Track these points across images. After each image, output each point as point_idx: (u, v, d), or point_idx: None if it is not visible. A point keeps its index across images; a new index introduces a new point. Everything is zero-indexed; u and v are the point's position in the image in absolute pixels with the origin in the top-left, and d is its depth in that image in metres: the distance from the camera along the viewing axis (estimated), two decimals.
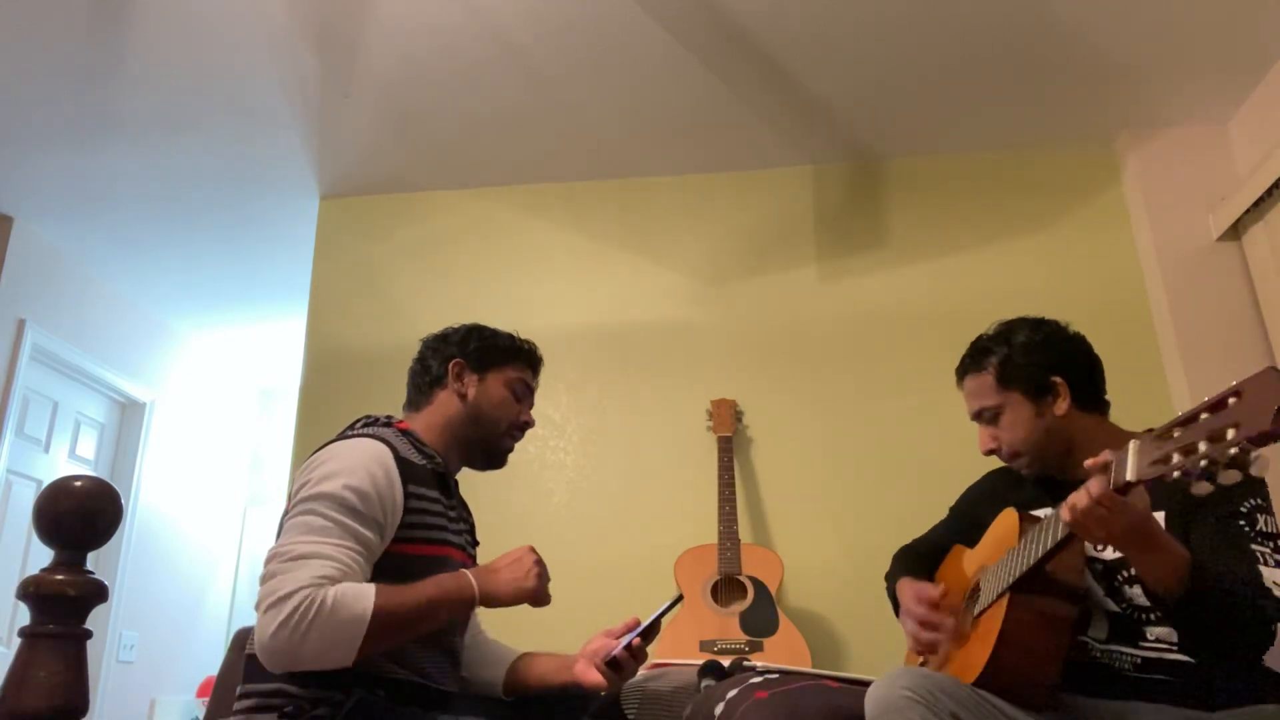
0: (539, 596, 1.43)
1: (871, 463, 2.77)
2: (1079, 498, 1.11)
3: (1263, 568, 1.22)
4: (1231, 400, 0.91)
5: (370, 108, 2.82)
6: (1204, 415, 0.94)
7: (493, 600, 1.40)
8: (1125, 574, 1.33)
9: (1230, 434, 0.89)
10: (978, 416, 1.54)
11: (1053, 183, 2.99)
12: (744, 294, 3.02)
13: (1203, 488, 0.94)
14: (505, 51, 2.59)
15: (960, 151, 3.06)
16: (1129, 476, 1.04)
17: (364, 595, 1.27)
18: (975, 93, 2.77)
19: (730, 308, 3.01)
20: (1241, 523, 1.27)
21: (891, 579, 1.69)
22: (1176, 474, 0.95)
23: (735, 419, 2.77)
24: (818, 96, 2.79)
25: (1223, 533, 1.26)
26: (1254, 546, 1.24)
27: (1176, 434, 0.97)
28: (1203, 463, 0.92)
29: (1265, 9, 2.41)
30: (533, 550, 1.46)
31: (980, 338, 1.57)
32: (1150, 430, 1.05)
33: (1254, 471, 0.89)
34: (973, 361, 1.55)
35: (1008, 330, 1.53)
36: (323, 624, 1.23)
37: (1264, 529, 1.26)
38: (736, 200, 3.13)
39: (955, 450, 2.68)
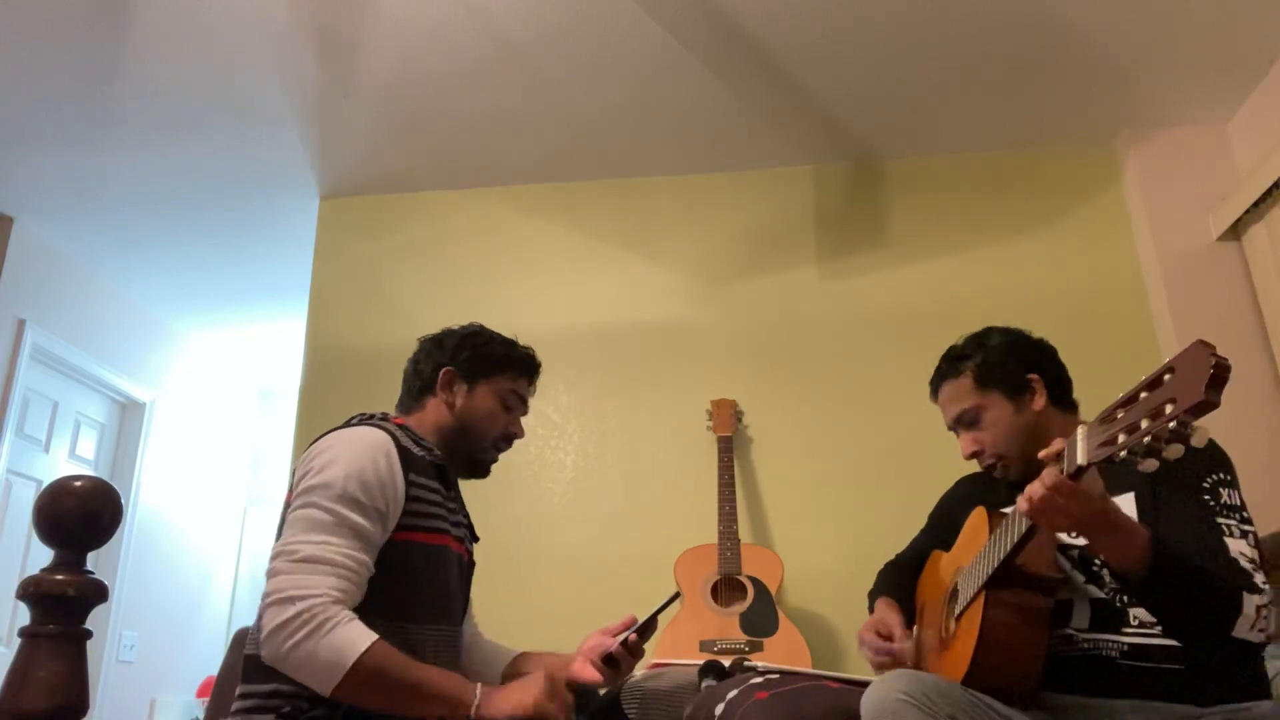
0: (543, 710, 1.28)
1: (871, 462, 2.77)
2: (1034, 489, 1.14)
3: (1228, 539, 1.26)
4: (1167, 376, 0.94)
5: (370, 108, 2.82)
6: (1143, 394, 0.97)
7: (490, 713, 1.28)
8: (1102, 558, 1.34)
9: (1168, 409, 0.92)
10: (957, 421, 1.57)
11: (1053, 183, 2.99)
12: (744, 294, 3.02)
13: (1149, 464, 0.97)
14: (505, 52, 2.59)
15: (960, 151, 3.06)
16: (1080, 461, 1.07)
17: (362, 637, 1.25)
18: (975, 93, 2.77)
19: (730, 308, 3.01)
20: (1206, 497, 1.30)
21: (873, 596, 1.72)
22: (1124, 453, 0.98)
23: (735, 419, 2.77)
24: (817, 96, 2.79)
25: (1189, 508, 1.30)
26: (1219, 519, 1.28)
27: (1120, 415, 1.01)
28: (1146, 439, 0.95)
29: (1265, 9, 2.41)
30: (551, 680, 1.33)
31: (952, 348, 1.61)
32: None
33: (1194, 443, 0.92)
34: (949, 368, 1.59)
35: (980, 337, 1.59)
36: (314, 645, 1.23)
37: (1228, 502, 1.30)
38: (736, 200, 3.13)
39: (955, 451, 2.67)
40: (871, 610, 1.70)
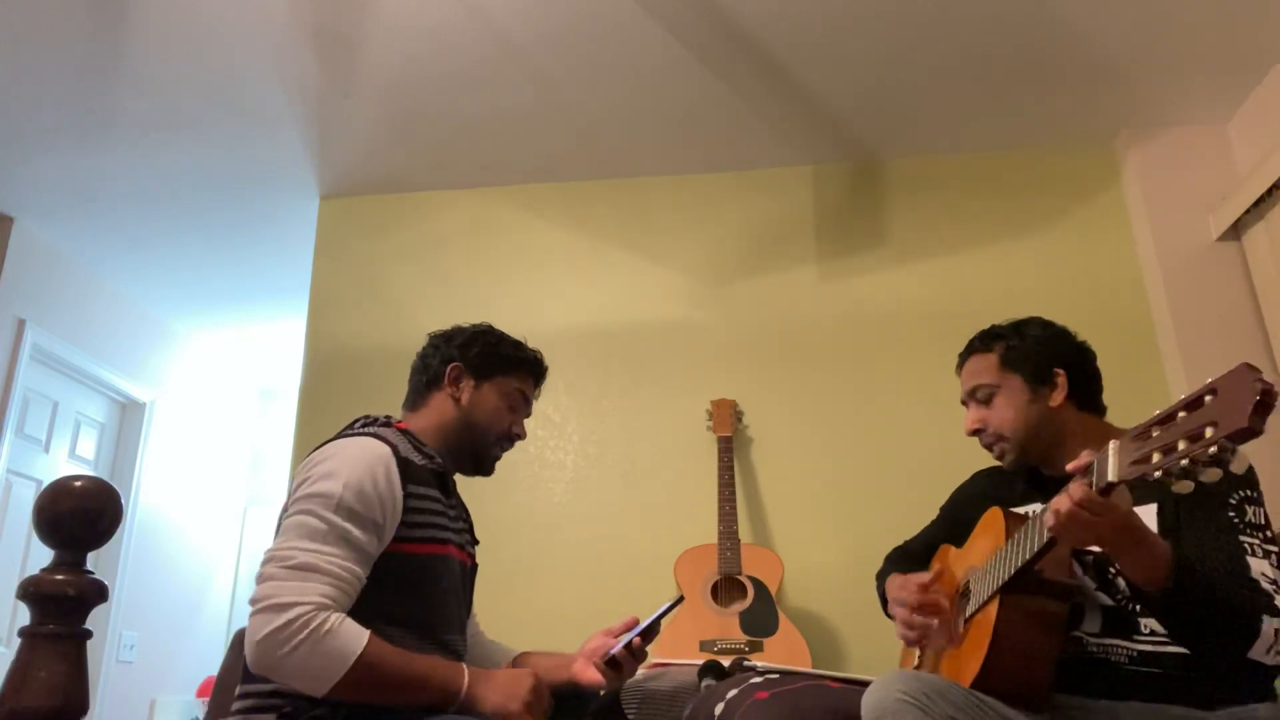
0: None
1: (871, 462, 2.77)
2: (1060, 502, 1.11)
3: (1250, 559, 1.24)
4: (1208, 398, 0.91)
5: (370, 108, 2.82)
6: (1181, 414, 0.94)
7: (475, 704, 1.31)
8: (1117, 566, 1.34)
9: (1209, 432, 0.88)
10: (971, 395, 1.58)
11: (1053, 183, 2.99)
12: (744, 294, 3.02)
13: (1184, 486, 0.94)
14: (505, 52, 2.59)
15: (960, 151, 3.06)
16: (1110, 477, 1.05)
17: (357, 638, 1.26)
18: (975, 92, 2.77)
19: (730, 308, 3.01)
20: (1231, 514, 1.28)
21: (881, 577, 1.71)
22: (1158, 474, 0.95)
23: (735, 419, 2.77)
24: (818, 96, 2.79)
25: (1212, 525, 1.28)
26: (1242, 538, 1.26)
27: (1155, 433, 0.97)
28: (1183, 462, 0.91)
29: (1265, 9, 2.41)
30: (538, 683, 1.36)
31: (992, 326, 1.62)
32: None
33: (1233, 469, 0.90)
34: (981, 343, 1.60)
35: (1021, 323, 1.59)
36: (310, 649, 1.23)
37: (1252, 520, 1.28)
38: (736, 200, 3.13)
39: (955, 450, 2.67)
40: (881, 592, 1.68)
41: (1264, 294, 2.65)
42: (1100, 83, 2.71)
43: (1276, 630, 1.15)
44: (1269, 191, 2.53)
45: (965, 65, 2.65)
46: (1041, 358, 1.52)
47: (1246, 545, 1.25)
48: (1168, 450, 0.94)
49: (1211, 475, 0.91)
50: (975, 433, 1.57)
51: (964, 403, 1.61)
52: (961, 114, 2.88)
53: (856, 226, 3.05)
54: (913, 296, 2.93)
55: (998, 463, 1.62)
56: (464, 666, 1.34)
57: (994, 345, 1.57)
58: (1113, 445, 1.06)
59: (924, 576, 1.49)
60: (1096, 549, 1.37)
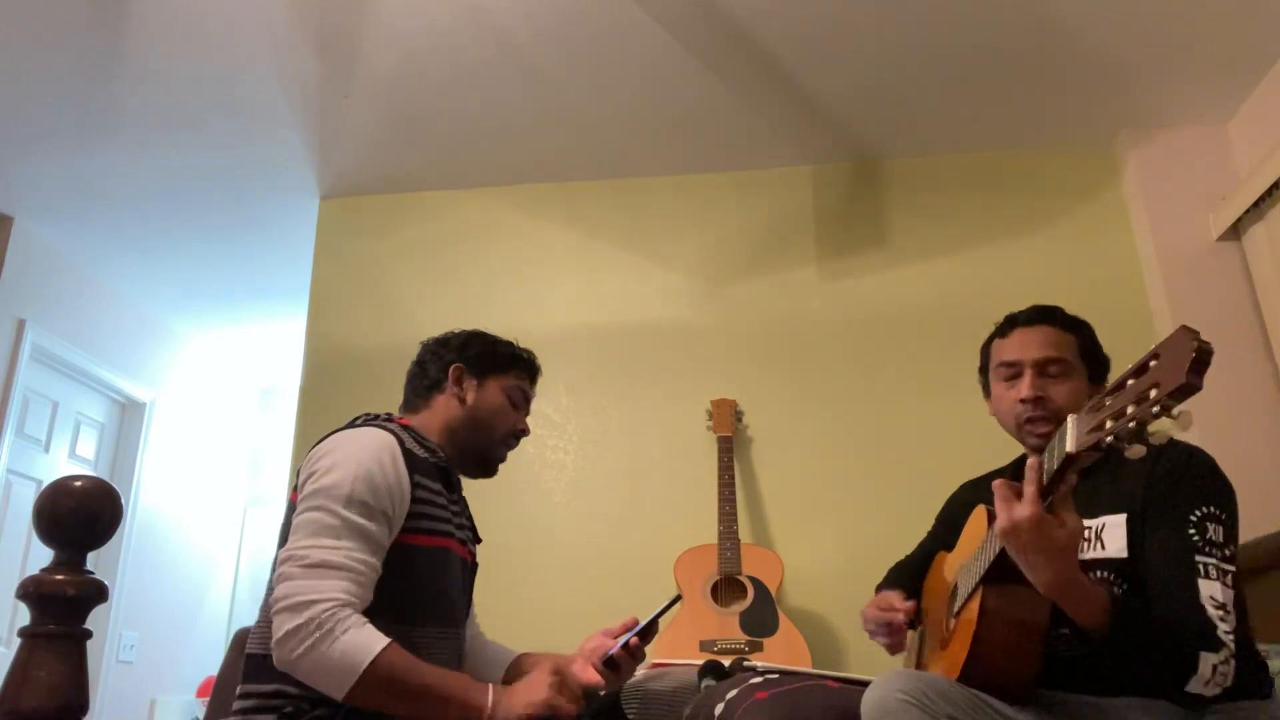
0: (555, 706, 1.31)
1: (872, 462, 2.77)
2: (1007, 509, 1.14)
3: (1202, 580, 1.24)
4: (1152, 363, 0.95)
5: (370, 108, 2.82)
6: (1130, 381, 0.98)
7: (505, 716, 1.30)
8: (1098, 574, 1.34)
9: (1153, 393, 0.93)
10: (1041, 365, 1.47)
11: (1053, 183, 2.99)
12: (744, 294, 3.02)
13: (1137, 450, 0.97)
14: (505, 52, 2.59)
15: (960, 151, 3.06)
16: (1069, 448, 1.07)
17: (372, 642, 1.26)
18: (975, 93, 2.77)
19: (730, 308, 3.01)
20: (1191, 531, 1.28)
21: (878, 591, 1.72)
22: (1110, 439, 0.99)
23: (735, 419, 2.77)
24: (818, 96, 2.79)
25: (1172, 541, 1.28)
26: (1198, 558, 1.26)
27: (1108, 402, 1.01)
28: (1131, 424, 0.96)
29: (1265, 9, 2.41)
30: (557, 677, 1.35)
31: (1053, 307, 1.55)
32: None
33: (1180, 425, 0.93)
34: (1062, 319, 1.53)
35: (1076, 317, 1.55)
36: (327, 649, 1.24)
37: (1213, 538, 1.28)
38: (736, 200, 3.13)
39: (955, 450, 2.68)
40: None
41: (1264, 294, 2.65)
42: (1100, 83, 2.71)
43: (1214, 666, 1.16)
44: (1269, 191, 2.53)
45: (965, 65, 2.65)
46: (1100, 355, 1.53)
47: (1201, 566, 1.25)
48: (1118, 415, 0.98)
49: (1160, 438, 0.95)
50: (1035, 400, 1.45)
51: (1014, 366, 1.50)
52: (961, 114, 2.88)
53: (856, 226, 3.05)
54: (912, 296, 2.93)
55: (982, 473, 1.64)
56: (489, 686, 1.32)
57: (1074, 329, 1.51)
58: (1071, 419, 1.09)
59: (892, 599, 1.55)
60: (1084, 556, 1.37)
